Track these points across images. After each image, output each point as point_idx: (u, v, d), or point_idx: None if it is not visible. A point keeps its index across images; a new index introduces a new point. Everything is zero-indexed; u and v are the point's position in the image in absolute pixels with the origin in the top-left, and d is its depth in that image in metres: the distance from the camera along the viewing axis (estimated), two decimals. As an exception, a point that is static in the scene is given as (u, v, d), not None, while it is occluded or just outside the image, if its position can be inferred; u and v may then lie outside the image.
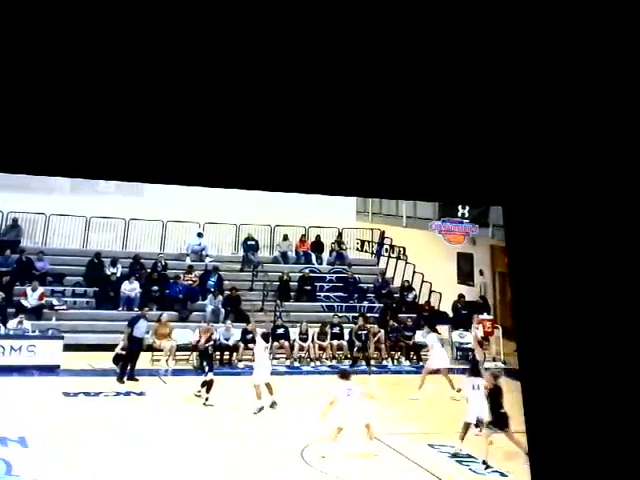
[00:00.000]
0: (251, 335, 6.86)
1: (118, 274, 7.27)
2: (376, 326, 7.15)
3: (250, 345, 6.77)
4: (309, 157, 4.60)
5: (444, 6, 4.31)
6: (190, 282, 7.42)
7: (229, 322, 6.94)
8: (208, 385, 6.27)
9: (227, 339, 6.85)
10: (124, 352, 6.31)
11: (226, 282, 7.44)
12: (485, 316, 7.13)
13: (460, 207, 7.82)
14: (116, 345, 6.34)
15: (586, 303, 4.25)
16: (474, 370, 6.24)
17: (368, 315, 7.31)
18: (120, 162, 4.60)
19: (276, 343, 6.96)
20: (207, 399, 6.17)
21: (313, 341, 7.00)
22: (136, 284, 7.16)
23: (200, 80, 4.68)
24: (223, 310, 7.17)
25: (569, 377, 4.18)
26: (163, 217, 7.84)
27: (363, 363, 6.95)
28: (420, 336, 7.17)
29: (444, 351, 6.98)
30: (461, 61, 4.47)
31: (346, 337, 7.07)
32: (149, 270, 7.36)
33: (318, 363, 6.99)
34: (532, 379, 4.27)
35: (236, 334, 6.87)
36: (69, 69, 4.49)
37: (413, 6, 4.30)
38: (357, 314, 7.29)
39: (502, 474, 5.39)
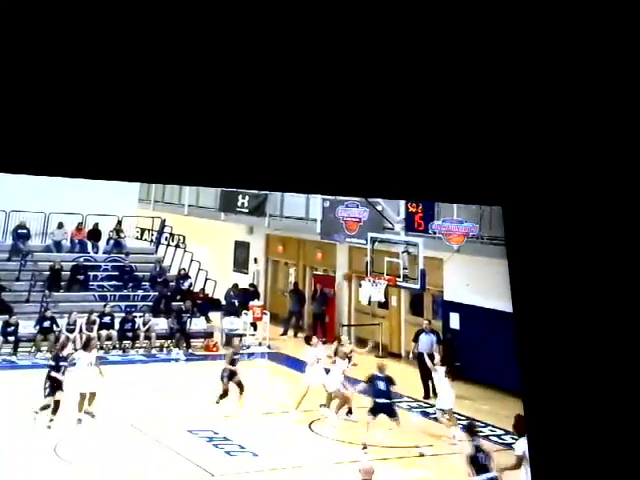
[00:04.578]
0: (13, 328, 6.56)
1: None
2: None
3: (10, 338, 6.49)
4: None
5: (444, 6, 4.27)
6: (-55, 273, 6.92)
7: (-14, 314, 6.58)
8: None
9: (-18, 333, 6.49)
10: None
11: (-10, 272, 7.04)
12: (255, 302, 7.43)
13: (240, 197, 8.03)
14: None
15: (587, 303, 4.24)
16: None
17: (142, 304, 7.29)
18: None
19: (40, 335, 6.71)
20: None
21: (80, 332, 6.82)
22: None
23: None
24: (-20, 302, 6.77)
25: (569, 377, 4.20)
26: None
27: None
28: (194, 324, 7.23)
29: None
30: (461, 60, 4.42)
31: (116, 327, 6.98)
32: None
33: (84, 354, 6.81)
34: (532, 379, 4.29)
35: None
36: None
37: (413, 6, 4.24)
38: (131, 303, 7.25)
39: (254, 454, 5.63)
